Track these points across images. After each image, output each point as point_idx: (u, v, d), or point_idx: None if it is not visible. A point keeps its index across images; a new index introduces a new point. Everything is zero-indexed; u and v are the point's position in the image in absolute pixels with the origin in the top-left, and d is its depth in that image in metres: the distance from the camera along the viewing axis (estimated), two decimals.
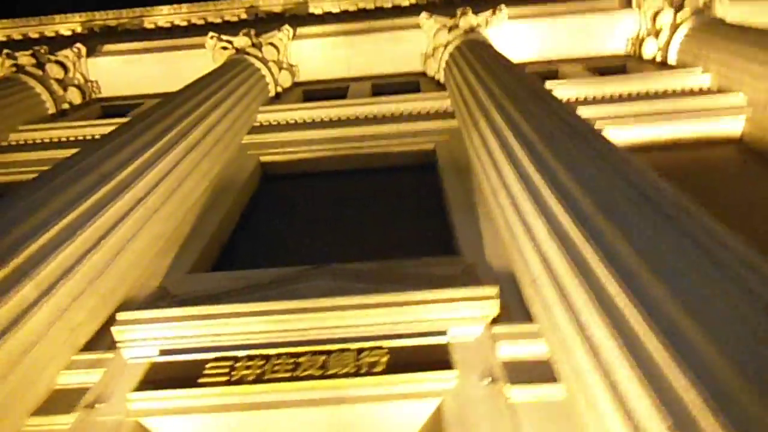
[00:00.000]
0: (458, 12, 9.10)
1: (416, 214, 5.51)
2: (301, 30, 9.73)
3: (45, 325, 3.06)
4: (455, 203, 5.01)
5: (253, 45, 9.00)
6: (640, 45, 9.16)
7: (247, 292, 3.74)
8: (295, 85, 9.78)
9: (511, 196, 3.79)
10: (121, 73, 10.11)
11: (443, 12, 9.55)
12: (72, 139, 8.07)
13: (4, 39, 12.07)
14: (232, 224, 5.40)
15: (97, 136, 8.09)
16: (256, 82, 8.25)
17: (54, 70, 9.18)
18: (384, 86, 9.58)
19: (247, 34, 9.16)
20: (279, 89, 9.07)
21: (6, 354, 2.79)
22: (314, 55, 9.79)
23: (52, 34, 12.06)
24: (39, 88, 8.87)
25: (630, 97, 7.45)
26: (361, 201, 5.95)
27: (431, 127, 7.06)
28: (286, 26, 9.47)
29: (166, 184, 4.78)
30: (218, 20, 11.91)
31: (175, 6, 12.10)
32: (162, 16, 11.97)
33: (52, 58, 9.37)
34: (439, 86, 8.99)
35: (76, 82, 9.62)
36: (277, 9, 11.89)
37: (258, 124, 7.70)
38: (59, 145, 7.78)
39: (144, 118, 5.54)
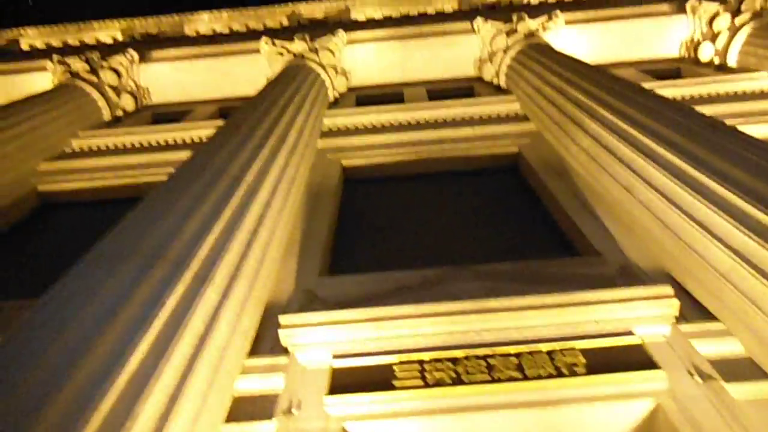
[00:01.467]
0: (514, 17, 9.14)
1: (517, 216, 5.46)
2: (353, 35, 9.70)
3: (229, 330, 2.98)
4: (568, 204, 4.97)
5: (311, 50, 8.96)
6: (695, 49, 9.22)
7: (401, 294, 3.68)
8: (349, 90, 9.74)
9: (661, 193, 3.76)
10: (172, 79, 10.05)
11: (496, 17, 9.58)
12: (129, 146, 7.98)
13: (43, 46, 12.00)
14: (333, 228, 5.34)
15: (153, 143, 8.03)
16: (321, 87, 8.20)
17: (108, 77, 9.11)
18: (438, 91, 9.58)
19: (303, 39, 9.13)
20: (336, 94, 9.02)
21: (204, 359, 2.70)
22: (367, 59, 9.78)
23: (92, 41, 12.01)
24: (95, 95, 8.79)
25: (693, 100, 7.49)
26: (452, 203, 5.90)
27: (506, 131, 7.02)
28: (341, 31, 9.44)
29: (282, 187, 4.71)
30: (260, 27, 11.91)
31: (215, 13, 12.08)
32: (203, 23, 11.95)
33: (105, 64, 9.30)
34: (498, 90, 8.98)
35: (128, 88, 9.54)
36: (319, 15, 11.94)
37: (327, 129, 7.64)
38: (122, 151, 7.69)
39: (241, 122, 5.47)
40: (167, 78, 10.04)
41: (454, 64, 9.90)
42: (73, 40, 11.97)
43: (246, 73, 10.07)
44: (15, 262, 5.55)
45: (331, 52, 9.15)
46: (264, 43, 9.43)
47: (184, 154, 7.38)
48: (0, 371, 2.05)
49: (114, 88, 9.20)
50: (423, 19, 11.05)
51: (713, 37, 8.93)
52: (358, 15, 11.62)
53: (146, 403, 2.14)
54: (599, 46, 9.57)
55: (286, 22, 11.83)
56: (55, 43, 11.95)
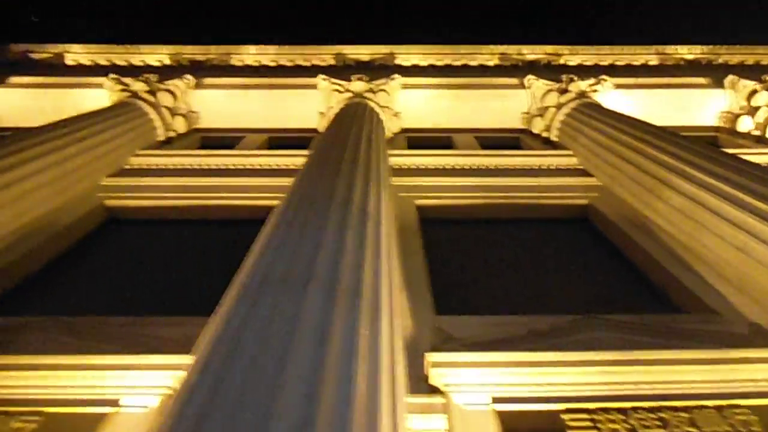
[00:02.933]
0: (564, 77, 9.54)
1: (599, 267, 5.52)
2: (407, 80, 10.00)
3: (399, 364, 2.90)
4: (659, 259, 5.05)
5: (369, 90, 9.18)
6: (734, 120, 9.67)
7: (535, 340, 3.66)
8: (402, 131, 9.94)
9: None
10: (223, 106, 10.15)
11: (543, 76, 10.00)
12: (188, 167, 7.95)
13: (89, 63, 12.08)
14: (427, 267, 5.32)
15: (204, 166, 8.00)
16: (381, 126, 8.35)
17: (165, 99, 9.16)
18: (486, 139, 9.83)
19: (361, 79, 9.36)
20: (390, 134, 9.18)
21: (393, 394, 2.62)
22: (418, 104, 10.04)
23: (140, 63, 12.15)
24: (153, 115, 8.81)
25: None
26: (529, 250, 5.95)
27: (570, 183, 7.19)
28: (397, 75, 9.72)
29: (385, 220, 4.72)
30: (307, 64, 12.19)
31: (262, 47, 12.37)
32: (249, 55, 12.21)
33: (161, 86, 9.37)
34: (546, 143, 9.25)
35: (181, 111, 9.59)
36: (365, 58, 12.29)
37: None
38: (181, 172, 7.65)
39: (329, 155, 5.52)
40: (219, 104, 10.14)
41: (501, 116, 10.22)
42: (119, 61, 12.09)
43: (297, 106, 10.24)
44: (87, 278, 5.38)
45: (387, 93, 9.38)
46: (321, 80, 9.64)
47: (237, 180, 7.37)
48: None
49: (169, 110, 9.22)
50: (466, 70, 11.49)
51: (752, 111, 9.39)
52: (403, 61, 11.99)
53: None
54: (642, 111, 9.97)
55: (332, 62, 12.13)
56: (102, 61, 12.05)
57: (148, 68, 11.73)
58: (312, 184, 4.52)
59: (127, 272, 5.51)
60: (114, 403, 3.07)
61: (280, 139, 9.89)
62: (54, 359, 3.25)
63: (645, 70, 11.45)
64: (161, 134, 9.01)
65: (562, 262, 5.68)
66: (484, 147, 9.23)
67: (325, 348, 2.34)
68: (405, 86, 9.91)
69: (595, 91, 9.23)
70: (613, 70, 11.19)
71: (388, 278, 3.50)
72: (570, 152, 8.12)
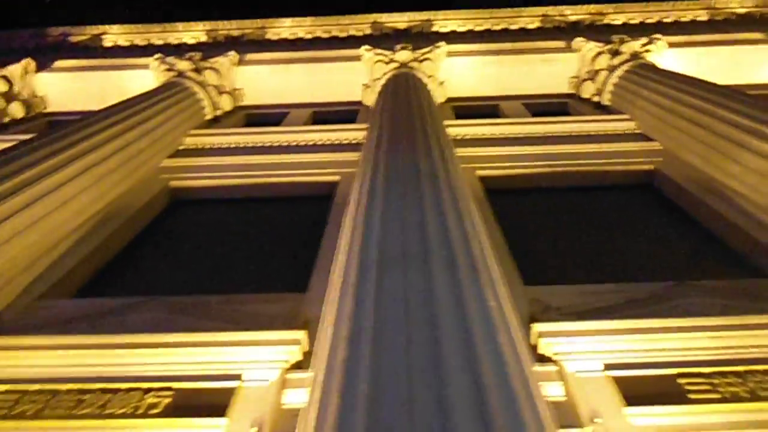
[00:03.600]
0: (614, 38, 9.23)
1: (676, 232, 5.45)
2: (452, 47, 9.79)
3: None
4: (740, 224, 4.97)
5: (415, 60, 9.03)
6: None
7: (636, 307, 3.67)
8: (447, 100, 9.81)
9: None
10: (267, 82, 10.12)
11: (591, 37, 9.68)
12: (242, 145, 8.01)
13: (126, 44, 12.11)
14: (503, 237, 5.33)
15: (257, 144, 8.04)
16: (431, 96, 8.25)
17: (210, 77, 9.17)
18: (533, 106, 9.64)
19: (406, 48, 9.20)
20: (436, 104, 9.05)
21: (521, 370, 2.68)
22: (464, 72, 9.85)
23: (177, 42, 12.13)
24: (202, 94, 8.85)
25: None
26: (596, 219, 5.90)
27: (631, 148, 7.05)
28: (443, 42, 9.52)
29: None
30: (343, 35, 12.00)
31: (298, 19, 12.20)
32: (285, 28, 12.06)
33: (205, 64, 9.37)
34: (598, 108, 9.04)
35: (226, 89, 9.60)
36: (402, 26, 12.04)
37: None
38: (232, 151, 7.72)
39: (398, 127, 5.50)
40: (262, 80, 10.12)
41: (548, 81, 9.97)
42: (156, 40, 12.08)
43: (339, 79, 10.15)
44: (168, 258, 5.52)
45: (433, 62, 9.22)
46: (365, 50, 9.51)
47: (291, 157, 7.40)
48: None
49: (215, 88, 9.24)
50: (506, 35, 11.19)
51: None
52: (441, 28, 11.72)
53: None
54: (696, 70, 9.62)
55: (369, 31, 11.91)
56: (139, 41, 12.06)
57: (187, 46, 11.73)
58: (393, 158, 4.53)
59: (205, 252, 5.63)
60: (237, 377, 3.21)
61: (324, 114, 9.86)
62: (175, 337, 3.39)
63: (694, 26, 11.00)
64: (209, 113, 9.07)
65: (636, 229, 5.62)
66: (534, 114, 9.07)
67: (467, 322, 2.40)
68: (450, 53, 9.71)
69: (648, 51, 8.91)
70: (662, 28, 10.78)
71: (490, 251, 3.54)
72: (627, 116, 7.92)
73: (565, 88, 9.96)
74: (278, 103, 10.27)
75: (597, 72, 9.01)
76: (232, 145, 7.90)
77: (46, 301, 4.40)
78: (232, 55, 9.76)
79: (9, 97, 9.43)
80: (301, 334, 3.38)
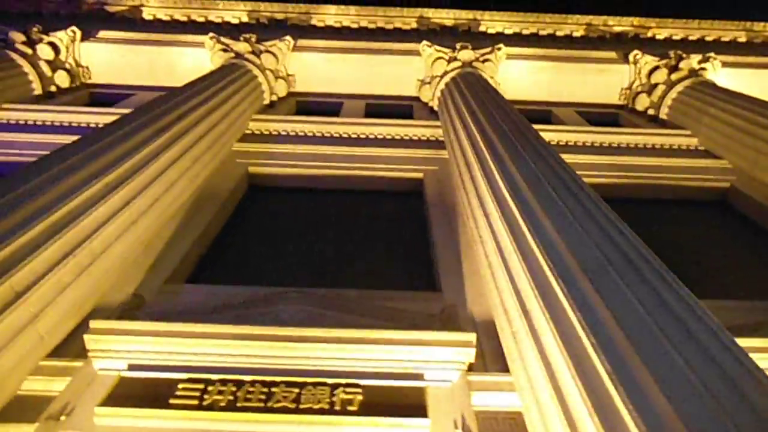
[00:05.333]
0: (671, 53, 9.44)
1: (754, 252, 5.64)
2: (511, 50, 9.84)
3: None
4: None
5: (477, 60, 9.05)
6: None
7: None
8: None
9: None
10: (320, 69, 10.00)
11: (650, 51, 9.87)
12: (300, 133, 7.91)
13: (166, 18, 11.74)
14: None
15: (319, 134, 7.94)
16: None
17: (269, 61, 9.00)
18: (586, 114, 9.78)
19: (466, 47, 9.21)
20: None
21: None
22: (519, 76, 9.92)
23: (218, 20, 11.83)
24: (261, 78, 8.68)
25: None
26: (677, 232, 6.05)
27: (702, 165, 7.25)
28: (502, 45, 9.56)
29: None
30: (389, 27, 11.89)
31: (343, 7, 12.04)
32: (330, 15, 11.88)
33: (262, 47, 9.18)
34: (652, 121, 9.24)
35: (281, 74, 9.44)
36: (449, 23, 12.00)
37: None
38: (299, 139, 7.64)
39: (507, 132, 5.52)
40: (316, 68, 10.00)
41: (599, 90, 10.12)
42: (197, 16, 11.76)
43: (393, 72, 10.10)
44: (269, 248, 5.43)
45: (493, 63, 9.25)
46: (426, 46, 9.47)
47: (362, 150, 7.36)
48: None
49: (272, 72, 9.09)
50: (552, 41, 11.30)
51: None
52: (488, 28, 11.75)
53: None
54: (749, 92, 9.88)
55: (414, 25, 11.85)
56: (179, 17, 11.70)
57: (229, 25, 11.47)
58: (522, 165, 4.54)
59: (307, 243, 5.54)
60: (419, 377, 3.22)
61: (377, 106, 9.79)
62: (345, 332, 3.37)
63: (735, 46, 11.32)
64: (267, 98, 8.91)
65: (711, 245, 5.79)
66: (590, 123, 9.20)
67: (689, 324, 2.47)
68: (509, 56, 9.75)
69: (704, 69, 9.13)
70: (703, 46, 11.06)
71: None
72: (688, 132, 8.12)
73: (615, 99, 10.13)
74: (330, 92, 10.15)
75: (654, 86, 9.19)
76: (300, 133, 7.79)
77: (173, 286, 4.31)
78: (288, 39, 9.59)
79: (54, 65, 9.05)
80: (473, 336, 3.39)
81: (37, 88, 8.72)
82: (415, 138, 7.88)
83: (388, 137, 7.88)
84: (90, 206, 3.88)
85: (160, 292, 4.15)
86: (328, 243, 5.54)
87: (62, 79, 9.05)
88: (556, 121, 9.44)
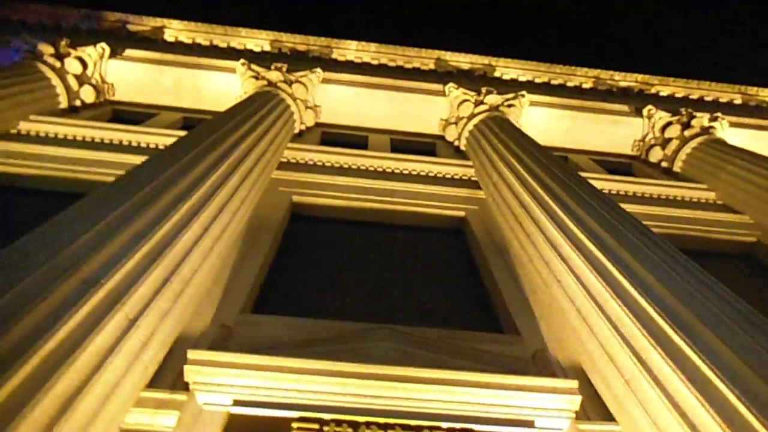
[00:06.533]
0: (683, 111, 9.98)
1: None
2: (534, 97, 10.22)
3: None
4: None
5: (503, 105, 9.35)
6: None
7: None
8: None
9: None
10: (347, 102, 10.12)
11: (657, 107, 10.42)
12: (335, 165, 7.96)
13: (188, 41, 11.75)
14: None
15: (354, 166, 7.99)
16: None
17: (299, 91, 9.08)
18: (601, 162, 10.16)
19: (491, 92, 9.53)
20: None
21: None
22: (540, 122, 10.27)
23: (239, 47, 11.91)
24: (294, 107, 8.72)
25: None
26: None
27: (726, 219, 7.58)
28: (524, 92, 9.91)
29: None
30: (408, 66, 12.18)
31: (363, 44, 12.32)
32: (351, 51, 12.13)
33: (293, 78, 9.28)
34: (666, 173, 9.66)
35: (310, 104, 9.52)
36: (465, 66, 12.38)
37: None
38: (335, 171, 7.67)
39: (547, 172, 5.69)
40: (343, 101, 10.12)
41: (613, 141, 10.56)
42: (219, 42, 11.81)
43: (417, 110, 10.32)
44: (325, 281, 5.37)
45: (517, 109, 9.57)
46: (453, 88, 9.75)
47: (400, 185, 7.44)
48: None
49: (303, 102, 9.16)
50: (564, 90, 11.81)
51: None
52: (502, 74, 12.19)
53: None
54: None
55: (432, 66, 12.18)
56: (202, 41, 11.73)
57: (251, 53, 11.55)
58: (586, 207, 4.70)
59: (359, 275, 5.50)
60: (530, 424, 3.20)
61: (401, 142, 9.94)
62: (453, 375, 3.33)
63: (731, 108, 12.03)
64: (297, 127, 8.94)
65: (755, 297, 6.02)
66: (606, 171, 9.55)
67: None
68: (532, 103, 10.11)
69: (713, 127, 9.67)
70: (703, 105, 11.72)
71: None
72: (704, 186, 8.51)
73: (628, 149, 10.57)
74: (355, 125, 10.26)
75: (667, 140, 9.66)
76: (335, 164, 7.84)
77: (247, 316, 4.20)
78: (318, 71, 9.72)
79: (81, 80, 8.90)
80: (575, 384, 3.40)
81: (63, 102, 8.53)
82: (448, 176, 8.01)
83: (422, 173, 7.99)
84: (178, 232, 3.79)
85: (238, 322, 4.03)
86: (381, 277, 5.51)
87: (87, 94, 8.89)
88: (573, 167, 9.75)
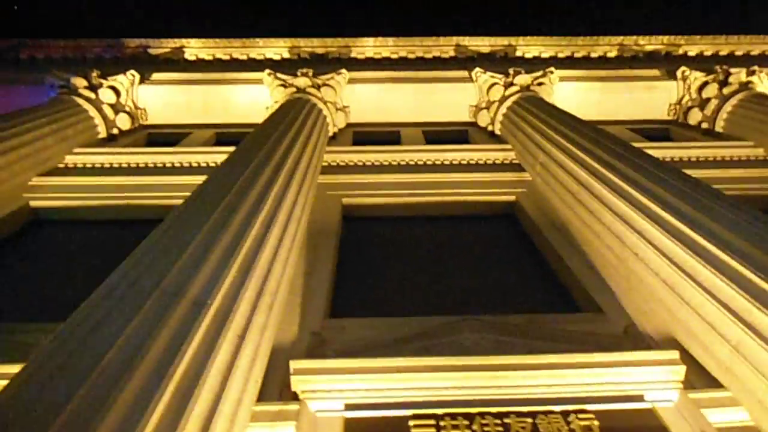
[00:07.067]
0: (717, 68, 9.72)
1: None
2: (562, 72, 10.08)
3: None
4: None
5: (533, 84, 9.25)
6: None
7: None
8: None
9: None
10: (374, 100, 10.13)
11: (696, 67, 10.18)
12: (367, 163, 7.97)
13: (209, 57, 11.89)
14: None
15: (403, 162, 7.96)
16: None
17: (328, 94, 9.11)
18: (637, 131, 9.98)
19: (519, 72, 9.42)
20: None
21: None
22: (568, 96, 10.12)
23: (259, 57, 12.00)
24: (326, 111, 8.76)
25: None
26: None
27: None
28: (552, 68, 9.79)
29: None
30: (428, 56, 12.16)
31: (380, 39, 12.30)
32: (369, 47, 12.12)
33: (320, 81, 9.31)
34: (707, 134, 9.45)
35: (339, 106, 9.55)
36: (485, 50, 12.30)
37: None
38: (387, 168, 7.69)
39: (622, 158, 5.61)
40: (369, 98, 10.13)
41: (647, 107, 10.36)
42: (239, 55, 11.94)
43: (444, 99, 10.27)
44: (387, 278, 5.41)
45: (547, 86, 9.46)
46: (480, 73, 9.68)
47: (443, 176, 7.43)
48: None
49: (333, 105, 9.19)
50: (588, 62, 11.63)
51: None
52: (524, 53, 12.06)
53: None
54: None
55: (452, 53, 12.12)
56: (221, 56, 11.88)
57: (271, 62, 11.64)
58: (652, 177, 4.63)
59: (420, 269, 5.54)
60: (640, 398, 3.18)
61: (434, 133, 9.90)
62: (554, 358, 3.34)
63: (764, 59, 11.70)
64: (331, 130, 8.98)
65: None
66: (648, 139, 9.37)
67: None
68: (562, 78, 9.98)
69: (752, 82, 9.41)
70: (734, 60, 11.42)
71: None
72: (751, 143, 8.30)
73: (663, 114, 10.36)
74: (385, 122, 10.27)
75: (706, 100, 9.44)
76: (376, 162, 7.85)
77: (330, 321, 4.26)
78: (344, 72, 9.74)
79: (116, 108, 9.08)
80: (676, 354, 3.36)
81: (102, 131, 8.73)
82: (489, 162, 7.96)
83: (462, 162, 7.95)
84: (258, 246, 3.84)
85: (324, 328, 4.08)
86: (445, 269, 5.52)
87: (123, 122, 9.07)
88: None
